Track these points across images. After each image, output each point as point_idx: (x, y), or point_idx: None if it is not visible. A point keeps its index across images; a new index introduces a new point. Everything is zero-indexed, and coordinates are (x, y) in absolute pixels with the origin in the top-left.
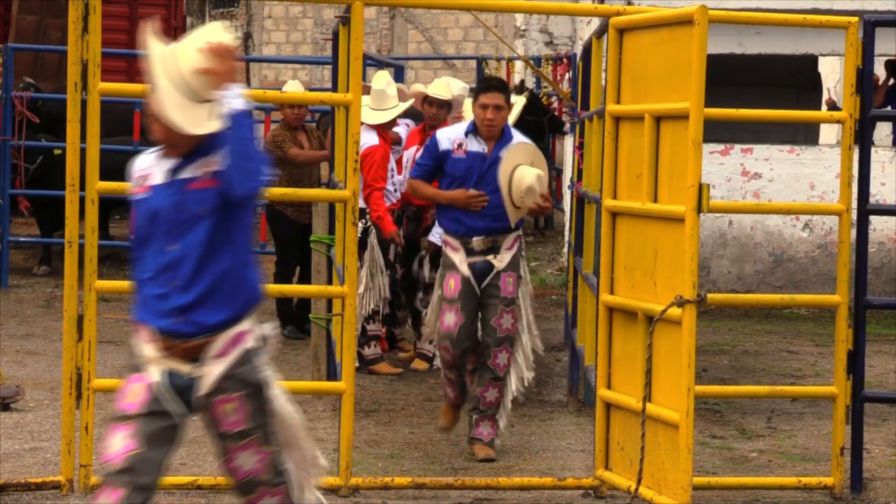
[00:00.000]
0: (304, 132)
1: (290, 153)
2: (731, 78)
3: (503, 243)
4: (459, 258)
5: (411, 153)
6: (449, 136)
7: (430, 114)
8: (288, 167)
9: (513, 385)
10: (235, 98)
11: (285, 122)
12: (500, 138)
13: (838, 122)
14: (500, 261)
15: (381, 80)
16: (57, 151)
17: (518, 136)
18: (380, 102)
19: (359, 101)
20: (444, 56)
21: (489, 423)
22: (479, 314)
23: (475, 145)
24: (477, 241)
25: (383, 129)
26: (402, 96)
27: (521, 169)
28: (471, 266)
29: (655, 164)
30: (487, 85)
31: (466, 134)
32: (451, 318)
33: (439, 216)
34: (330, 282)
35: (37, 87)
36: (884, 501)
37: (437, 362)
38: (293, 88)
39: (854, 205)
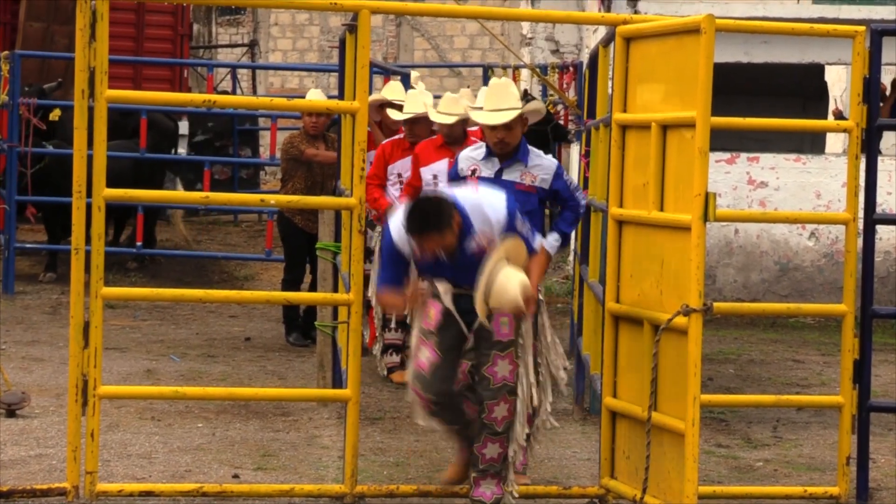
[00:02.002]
0: (323, 141)
1: (307, 153)
2: (737, 87)
3: None
4: (444, 287)
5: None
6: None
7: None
8: (303, 170)
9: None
10: None
11: (304, 131)
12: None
13: (845, 131)
14: None
15: (392, 89)
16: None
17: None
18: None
19: (365, 109)
20: (450, 64)
21: (492, 481)
22: (471, 361)
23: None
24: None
25: (412, 134)
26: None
27: (505, 273)
28: (455, 298)
29: (662, 172)
30: (416, 227)
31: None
32: (424, 355)
33: None
34: (336, 289)
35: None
36: None
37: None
38: (316, 97)
39: (860, 214)
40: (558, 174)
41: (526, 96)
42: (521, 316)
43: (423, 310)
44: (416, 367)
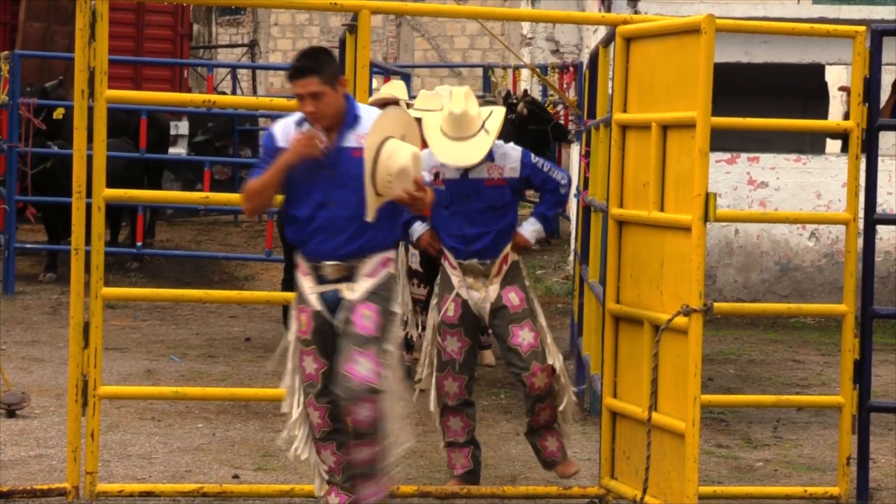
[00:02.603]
0: None
1: None
2: (737, 87)
3: (361, 269)
4: (308, 284)
5: None
6: (286, 130)
7: None
8: None
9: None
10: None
11: None
12: (343, 124)
13: (845, 131)
14: (353, 290)
15: (394, 88)
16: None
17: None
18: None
19: None
20: (450, 64)
21: (369, 483)
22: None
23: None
24: (329, 267)
25: None
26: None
27: (392, 143)
28: (322, 297)
29: (662, 173)
30: (294, 69)
31: (300, 123)
32: (310, 365)
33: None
34: None
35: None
36: None
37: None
38: None
39: (860, 214)
40: (525, 161)
41: (526, 96)
42: (414, 204)
43: (295, 316)
44: (306, 378)
